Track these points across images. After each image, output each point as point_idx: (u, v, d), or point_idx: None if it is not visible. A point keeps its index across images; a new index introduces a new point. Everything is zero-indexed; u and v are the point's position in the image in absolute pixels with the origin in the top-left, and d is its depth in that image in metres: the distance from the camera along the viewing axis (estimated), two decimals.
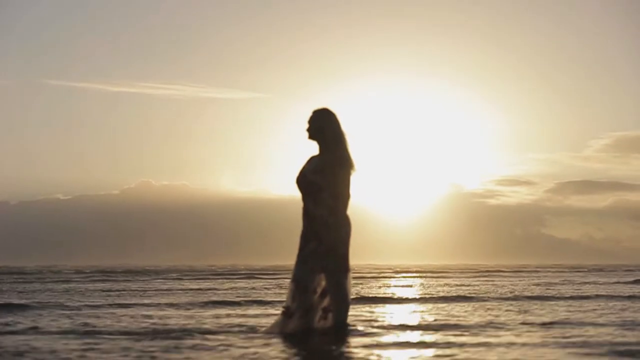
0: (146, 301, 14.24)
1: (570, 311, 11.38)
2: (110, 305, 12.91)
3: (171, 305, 12.95)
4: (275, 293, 17.79)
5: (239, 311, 11.59)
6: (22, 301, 14.13)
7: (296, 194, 7.65)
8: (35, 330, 8.61)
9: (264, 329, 8.17)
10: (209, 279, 32.30)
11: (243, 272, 46.93)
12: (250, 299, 14.78)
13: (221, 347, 6.94)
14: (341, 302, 7.55)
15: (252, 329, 8.40)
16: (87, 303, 13.67)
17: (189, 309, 12.05)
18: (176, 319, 10.06)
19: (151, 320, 9.73)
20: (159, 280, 29.50)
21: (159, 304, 13.28)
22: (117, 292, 18.56)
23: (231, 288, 21.30)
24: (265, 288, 20.96)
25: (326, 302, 7.56)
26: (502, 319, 9.90)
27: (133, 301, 14.28)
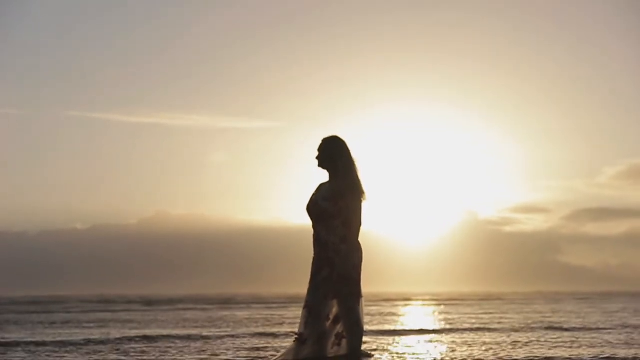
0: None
1: None
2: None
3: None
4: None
5: None
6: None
7: (308, 221, 7.72)
8: None
9: (277, 356, 8.20)
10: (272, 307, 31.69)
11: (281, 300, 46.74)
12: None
13: None
14: (354, 327, 7.60)
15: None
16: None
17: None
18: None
19: None
20: (227, 310, 28.16)
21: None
22: (215, 321, 17.55)
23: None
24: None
25: (339, 328, 7.62)
26: None
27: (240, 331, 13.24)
